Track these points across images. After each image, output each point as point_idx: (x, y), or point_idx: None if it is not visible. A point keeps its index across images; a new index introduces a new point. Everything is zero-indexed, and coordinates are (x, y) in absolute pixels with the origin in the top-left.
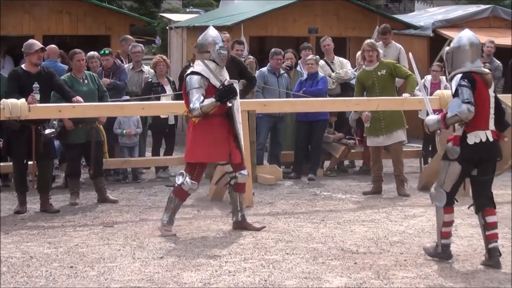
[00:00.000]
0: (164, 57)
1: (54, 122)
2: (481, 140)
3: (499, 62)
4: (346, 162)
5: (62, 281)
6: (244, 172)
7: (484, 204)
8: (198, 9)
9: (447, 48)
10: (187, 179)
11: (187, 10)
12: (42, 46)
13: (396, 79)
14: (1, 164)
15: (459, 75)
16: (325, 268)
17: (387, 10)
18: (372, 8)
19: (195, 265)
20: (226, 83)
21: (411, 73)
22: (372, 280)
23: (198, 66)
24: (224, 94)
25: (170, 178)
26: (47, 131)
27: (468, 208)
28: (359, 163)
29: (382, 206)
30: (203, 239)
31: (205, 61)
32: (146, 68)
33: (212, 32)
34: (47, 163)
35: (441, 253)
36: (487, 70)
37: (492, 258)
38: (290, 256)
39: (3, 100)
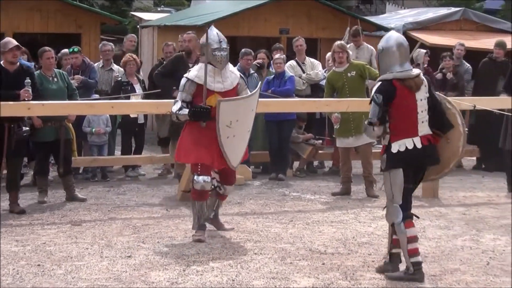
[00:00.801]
0: (134, 56)
1: (24, 119)
2: (406, 148)
3: (469, 64)
4: (315, 163)
5: (29, 279)
6: (230, 188)
7: (405, 216)
8: (169, 8)
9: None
10: (195, 177)
11: (158, 9)
12: (17, 44)
13: (370, 80)
14: None
15: (379, 83)
16: (293, 268)
17: (358, 11)
18: (343, 9)
19: (163, 265)
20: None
21: None
22: (340, 280)
23: (193, 69)
24: (197, 114)
25: (139, 177)
26: (23, 129)
27: None
28: (328, 164)
29: (351, 207)
30: (171, 239)
31: (202, 64)
32: (116, 67)
33: (210, 33)
34: (17, 161)
35: (413, 274)
36: (416, 72)
37: (416, 272)
38: (258, 256)
39: None
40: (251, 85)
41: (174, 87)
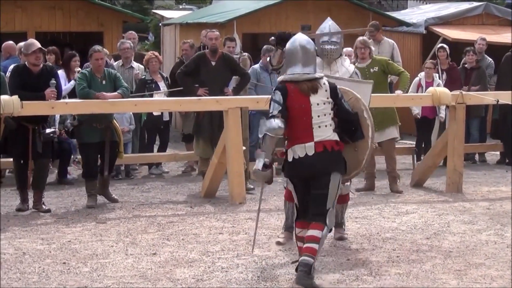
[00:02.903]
0: (156, 53)
1: (68, 122)
2: (299, 156)
3: (491, 59)
4: None
5: (55, 277)
6: (345, 185)
7: (312, 219)
8: (191, 6)
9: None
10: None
11: (180, 7)
12: (40, 46)
13: (393, 76)
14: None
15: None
16: (318, 264)
17: (379, 7)
18: (365, 5)
19: (188, 261)
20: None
21: (403, 70)
22: (365, 276)
23: None
24: None
25: (163, 174)
26: (47, 130)
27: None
28: None
29: (375, 203)
30: (196, 236)
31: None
32: (136, 64)
33: (324, 25)
34: (43, 162)
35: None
36: (313, 76)
37: (298, 271)
38: (283, 252)
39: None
40: (274, 82)
41: (197, 85)
